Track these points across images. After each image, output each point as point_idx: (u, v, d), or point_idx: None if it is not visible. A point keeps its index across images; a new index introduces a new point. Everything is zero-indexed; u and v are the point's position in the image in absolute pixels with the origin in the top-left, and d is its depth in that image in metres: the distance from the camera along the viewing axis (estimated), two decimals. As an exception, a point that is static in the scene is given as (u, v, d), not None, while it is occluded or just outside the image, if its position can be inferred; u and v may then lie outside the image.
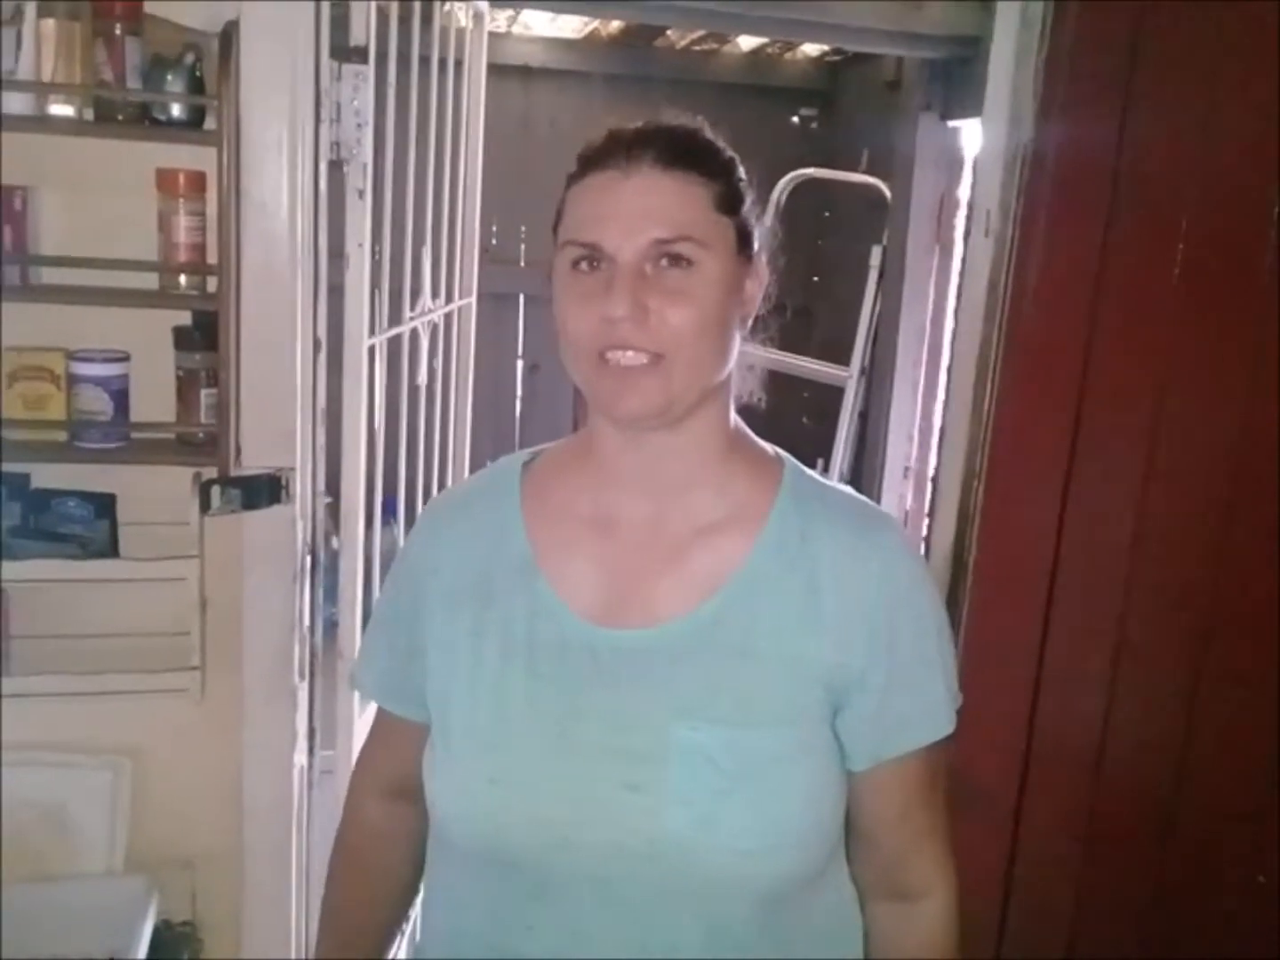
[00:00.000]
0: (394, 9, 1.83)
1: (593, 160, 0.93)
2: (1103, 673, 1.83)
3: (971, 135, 3.58)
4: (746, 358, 1.02)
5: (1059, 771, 1.91)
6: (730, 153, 0.98)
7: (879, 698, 0.96)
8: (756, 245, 0.98)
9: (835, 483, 1.05)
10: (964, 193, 3.73)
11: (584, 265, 0.92)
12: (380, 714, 1.14)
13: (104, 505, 1.67)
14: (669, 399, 0.92)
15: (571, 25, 4.28)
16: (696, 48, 4.50)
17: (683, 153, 0.92)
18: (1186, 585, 1.75)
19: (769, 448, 1.05)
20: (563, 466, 1.06)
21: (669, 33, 4.32)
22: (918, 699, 0.98)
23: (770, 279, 1.00)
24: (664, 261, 0.90)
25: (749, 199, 0.97)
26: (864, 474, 4.00)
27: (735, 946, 0.95)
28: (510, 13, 3.98)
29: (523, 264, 4.49)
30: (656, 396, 0.92)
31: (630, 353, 0.90)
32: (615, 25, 4.24)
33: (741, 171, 0.98)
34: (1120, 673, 1.82)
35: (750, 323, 1.00)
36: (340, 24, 1.72)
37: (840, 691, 0.96)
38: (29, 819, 1.75)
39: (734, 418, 1.02)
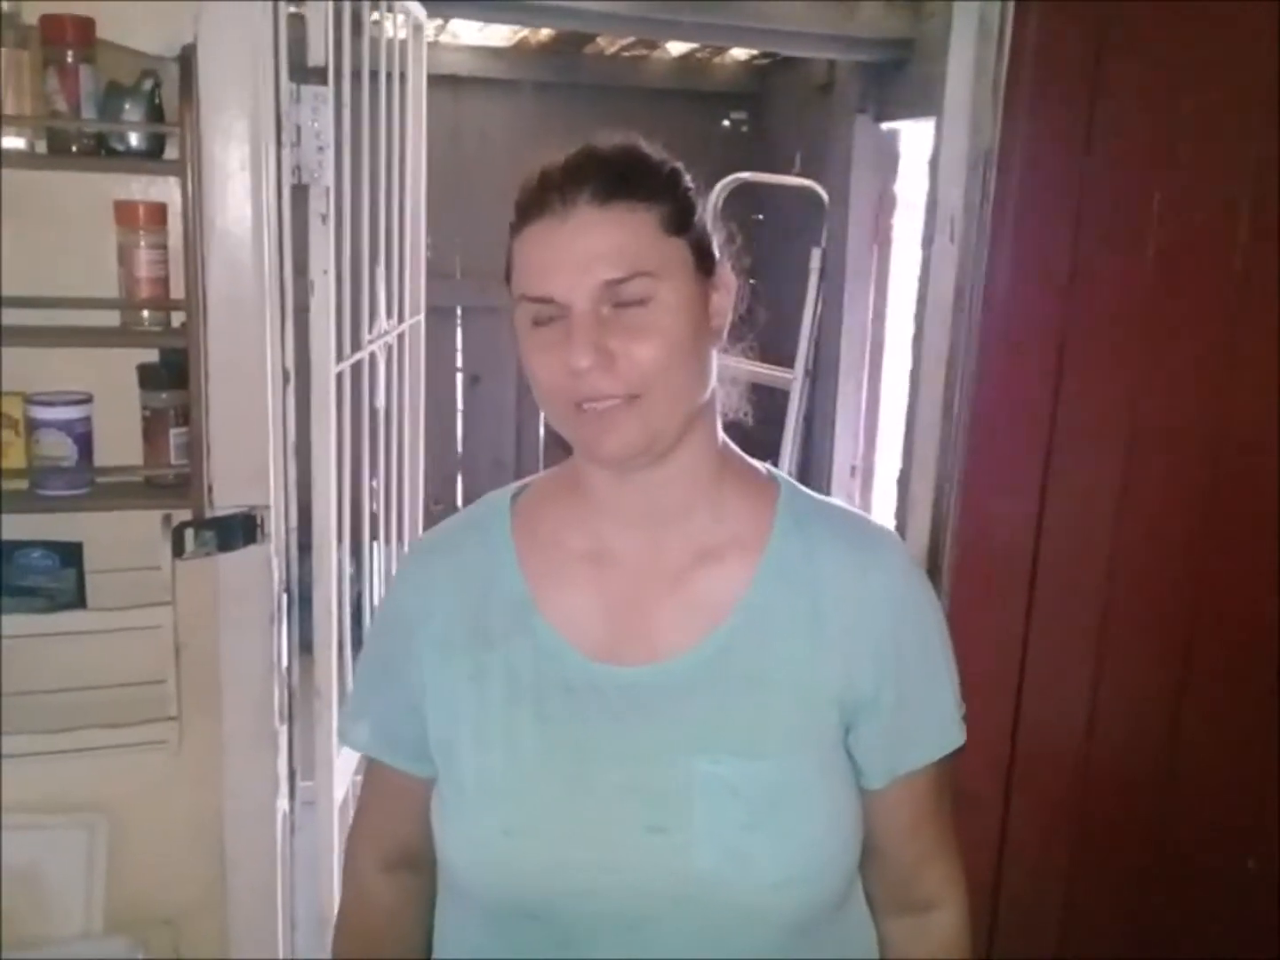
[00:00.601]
0: (347, 26, 1.79)
1: (528, 209, 0.89)
2: (1086, 673, 1.84)
3: (909, 137, 3.62)
4: (728, 371, 0.99)
5: (1045, 772, 1.92)
6: (672, 164, 0.93)
7: (891, 715, 0.95)
8: (718, 254, 0.94)
9: (829, 498, 1.04)
10: (901, 192, 3.77)
11: (542, 317, 0.88)
12: (376, 775, 1.07)
13: (70, 554, 1.59)
14: (650, 436, 0.90)
15: (500, 34, 4.23)
16: (626, 54, 4.47)
17: (619, 182, 0.87)
18: (1169, 583, 1.76)
19: (760, 465, 1.03)
20: (551, 499, 1.02)
21: (598, 39, 4.30)
22: (928, 713, 0.98)
23: (740, 284, 0.97)
24: (620, 301, 0.87)
25: (700, 209, 0.93)
26: (811, 474, 4.02)
27: None
28: (439, 22, 3.92)
29: (459, 276, 4.42)
30: (637, 436, 0.89)
31: (604, 401, 0.88)
32: (545, 33, 4.20)
33: (688, 181, 0.94)
34: (1104, 673, 1.83)
35: (725, 334, 0.97)
36: (295, 44, 1.67)
37: (852, 711, 0.95)
38: (3, 883, 1.66)
39: (722, 437, 1.00)
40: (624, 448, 0.89)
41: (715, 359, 0.95)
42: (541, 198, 0.88)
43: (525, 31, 4.18)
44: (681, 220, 0.89)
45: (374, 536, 2.27)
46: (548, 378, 0.89)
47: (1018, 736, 1.93)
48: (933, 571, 2.06)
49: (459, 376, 4.72)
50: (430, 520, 2.68)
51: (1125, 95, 1.73)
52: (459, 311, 4.61)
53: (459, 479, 4.81)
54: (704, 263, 0.91)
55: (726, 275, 0.95)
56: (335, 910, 1.14)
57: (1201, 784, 1.75)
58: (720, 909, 0.90)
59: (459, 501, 4.83)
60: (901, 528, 2.13)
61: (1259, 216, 1.58)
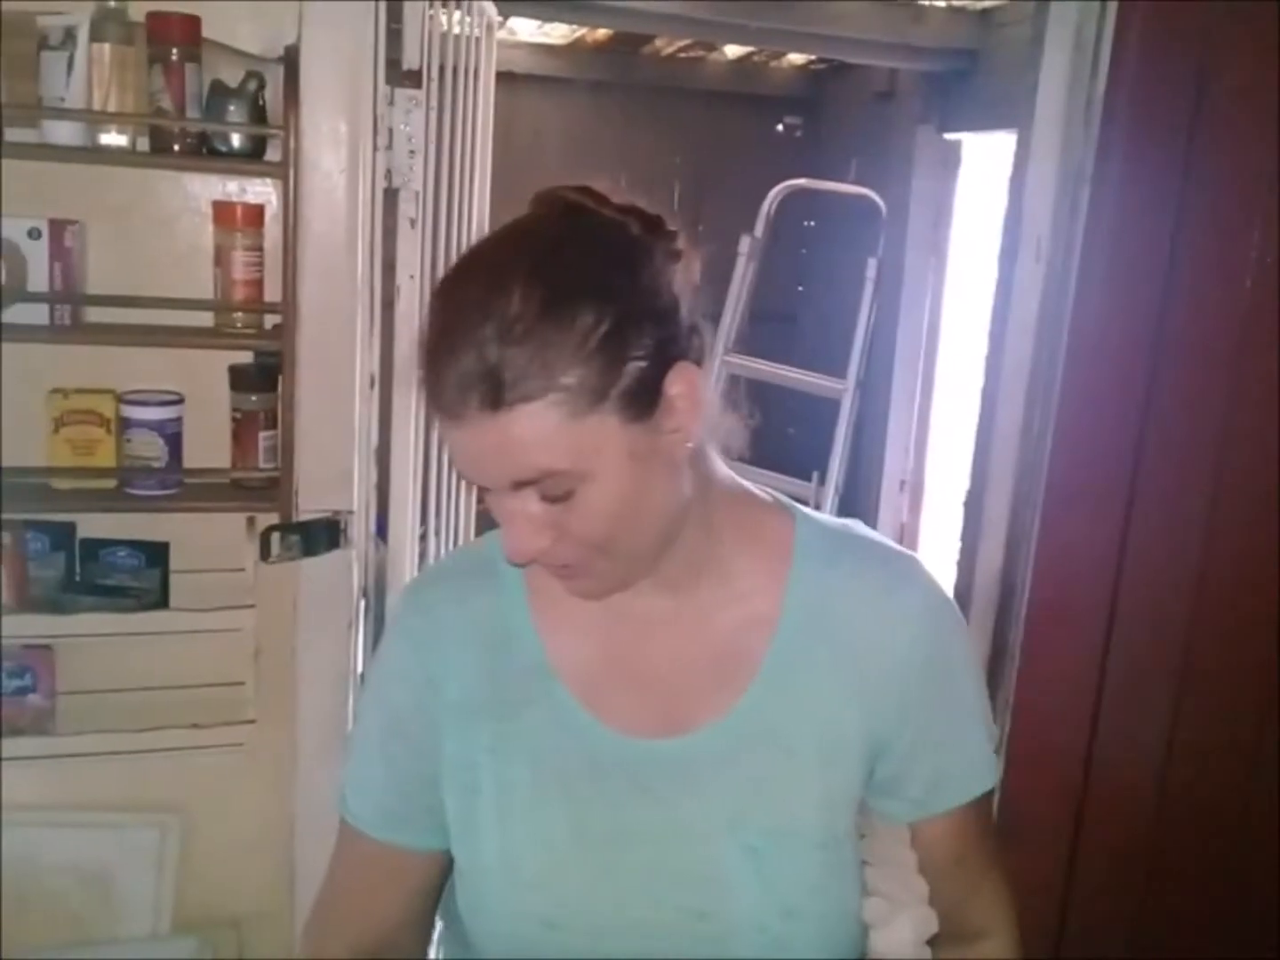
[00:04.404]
0: (439, 30, 1.77)
1: (425, 394, 0.78)
2: (1166, 708, 1.81)
3: (970, 148, 3.59)
4: (726, 411, 0.89)
5: (1118, 810, 1.88)
6: (589, 297, 0.75)
7: (908, 759, 0.91)
8: (676, 348, 0.79)
9: (850, 525, 0.96)
10: (960, 204, 3.74)
11: None
12: (361, 853, 0.95)
13: (155, 554, 1.58)
14: (621, 579, 0.85)
15: (558, 31, 4.22)
16: (682, 55, 4.45)
17: (512, 383, 0.73)
18: (1257, 615, 1.74)
19: (771, 499, 0.95)
20: None
21: (655, 40, 4.27)
22: (958, 754, 0.94)
23: (713, 366, 0.88)
24: (541, 494, 0.78)
25: (632, 331, 0.76)
26: (859, 487, 3.99)
27: None
28: (500, 19, 3.90)
29: (509, 275, 4.39)
30: (607, 584, 0.85)
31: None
32: (602, 32, 4.18)
33: (621, 292, 0.77)
34: (1184, 708, 1.80)
35: (699, 433, 0.83)
36: (390, 46, 1.65)
37: (873, 757, 0.91)
38: (72, 881, 1.66)
39: (726, 481, 0.91)
40: (596, 592, 0.86)
41: (684, 475, 0.84)
42: (431, 393, 0.77)
43: (583, 30, 4.16)
44: (602, 381, 0.75)
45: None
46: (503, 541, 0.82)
47: (1091, 770, 1.89)
48: (1005, 594, 2.03)
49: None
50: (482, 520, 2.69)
51: (1228, 120, 1.69)
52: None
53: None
54: (644, 403, 0.77)
55: (686, 376, 0.79)
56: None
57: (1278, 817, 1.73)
58: None
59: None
60: (971, 548, 2.10)
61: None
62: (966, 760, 0.94)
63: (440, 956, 1.04)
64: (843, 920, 0.89)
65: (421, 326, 0.79)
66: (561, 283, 0.76)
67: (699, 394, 0.81)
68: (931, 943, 0.99)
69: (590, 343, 0.74)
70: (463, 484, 2.51)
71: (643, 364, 0.77)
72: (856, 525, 0.96)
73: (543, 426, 0.74)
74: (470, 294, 0.77)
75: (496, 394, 0.73)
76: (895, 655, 0.89)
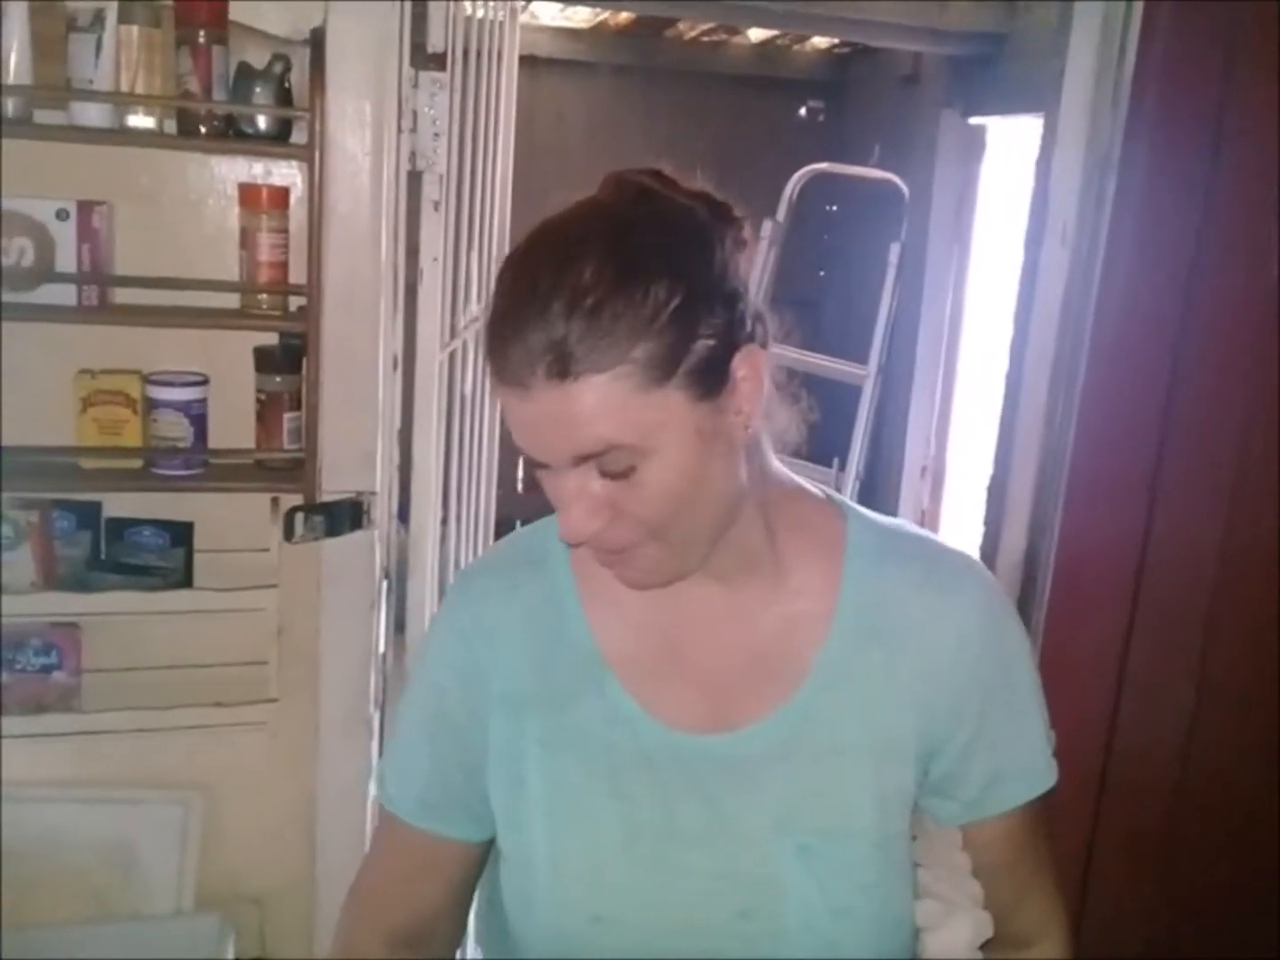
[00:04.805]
0: (463, 13, 1.77)
1: (488, 357, 0.78)
2: (1187, 694, 1.81)
3: (995, 133, 3.56)
4: (783, 403, 0.88)
5: (1137, 796, 1.88)
6: (673, 263, 0.76)
7: (963, 759, 0.90)
8: (741, 331, 0.79)
9: (902, 523, 0.96)
10: (984, 189, 3.71)
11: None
12: (401, 839, 0.96)
13: (180, 534, 1.60)
14: (676, 569, 0.84)
15: (581, 15, 4.20)
16: (705, 39, 4.43)
17: (577, 356, 0.73)
18: (1276, 604, 1.73)
19: (823, 494, 0.95)
20: None
21: (678, 24, 4.26)
22: (1014, 756, 0.92)
23: (770, 359, 0.82)
24: (602, 470, 0.77)
25: (702, 309, 0.76)
26: (880, 473, 3.98)
27: None
28: (522, 3, 3.89)
29: (530, 259, 4.40)
30: (661, 572, 0.84)
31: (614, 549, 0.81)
32: (624, 16, 4.16)
33: (692, 272, 0.76)
34: (1206, 694, 1.79)
35: (760, 421, 0.83)
36: (415, 29, 1.65)
37: (927, 756, 0.90)
38: (95, 858, 1.68)
39: (779, 475, 0.91)
40: (648, 580, 0.85)
41: (741, 464, 0.83)
42: (499, 364, 0.77)
43: (605, 14, 4.15)
44: (671, 356, 0.75)
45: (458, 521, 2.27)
46: (558, 521, 0.81)
47: (1110, 756, 1.89)
48: (1028, 580, 2.03)
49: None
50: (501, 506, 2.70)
51: (1255, 108, 1.68)
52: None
53: (520, 462, 4.80)
54: (711, 381, 0.78)
55: (752, 360, 0.80)
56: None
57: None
58: None
59: (519, 485, 4.83)
60: (993, 534, 2.10)
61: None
62: (1022, 762, 0.93)
63: (478, 957, 1.04)
64: (894, 921, 0.88)
65: (488, 297, 0.79)
66: (634, 258, 0.75)
67: (764, 378, 0.81)
68: (983, 947, 0.98)
69: (661, 318, 0.74)
70: (483, 470, 2.52)
71: (711, 343, 0.77)
72: (907, 524, 0.96)
73: (609, 399, 0.74)
74: (541, 266, 0.76)
75: (564, 364, 0.73)
76: (949, 654, 0.89)
